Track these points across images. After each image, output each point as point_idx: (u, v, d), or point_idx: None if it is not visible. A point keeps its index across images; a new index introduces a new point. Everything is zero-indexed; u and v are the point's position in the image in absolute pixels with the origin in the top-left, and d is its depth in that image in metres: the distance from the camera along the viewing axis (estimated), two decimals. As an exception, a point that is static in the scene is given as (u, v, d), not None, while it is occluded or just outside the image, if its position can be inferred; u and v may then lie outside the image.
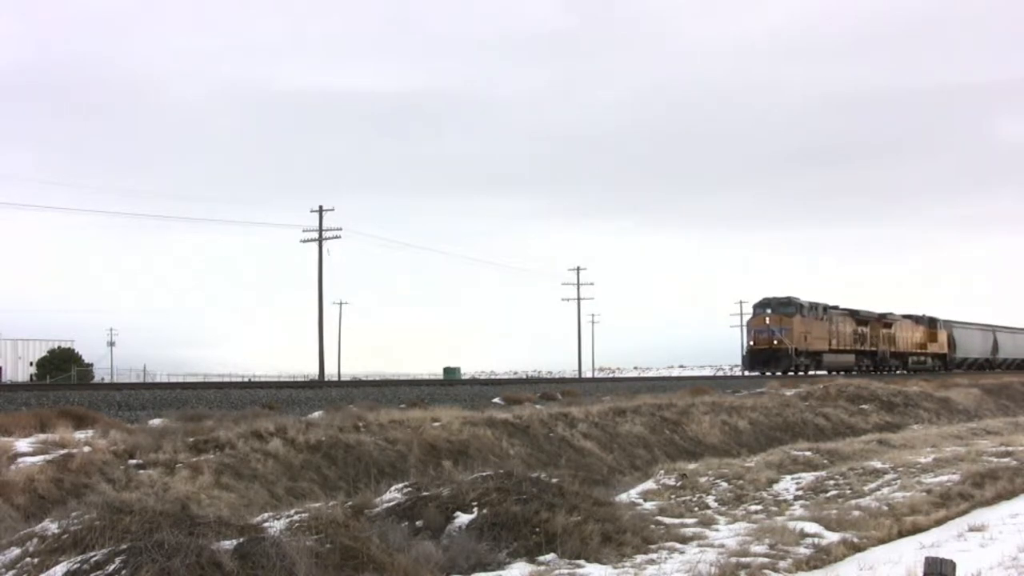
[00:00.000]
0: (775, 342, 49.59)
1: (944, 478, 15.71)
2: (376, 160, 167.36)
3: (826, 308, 54.09)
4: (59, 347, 79.98)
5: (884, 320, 60.92)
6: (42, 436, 13.19)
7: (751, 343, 51.61)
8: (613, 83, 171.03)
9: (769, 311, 50.90)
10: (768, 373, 48.94)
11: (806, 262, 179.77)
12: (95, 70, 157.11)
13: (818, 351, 52.23)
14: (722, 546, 10.64)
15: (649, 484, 15.76)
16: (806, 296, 53.31)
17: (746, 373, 52.72)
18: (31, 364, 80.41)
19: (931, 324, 66.67)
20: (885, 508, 13.22)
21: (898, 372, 59.59)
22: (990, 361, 75.75)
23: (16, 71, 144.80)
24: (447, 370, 74.71)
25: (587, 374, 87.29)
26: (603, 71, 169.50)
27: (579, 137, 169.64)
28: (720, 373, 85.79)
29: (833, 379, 39.82)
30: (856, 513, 12.71)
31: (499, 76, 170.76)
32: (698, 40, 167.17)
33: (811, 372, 50.55)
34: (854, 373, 52.70)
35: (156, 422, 15.43)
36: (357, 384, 27.43)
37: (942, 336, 67.19)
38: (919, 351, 64.91)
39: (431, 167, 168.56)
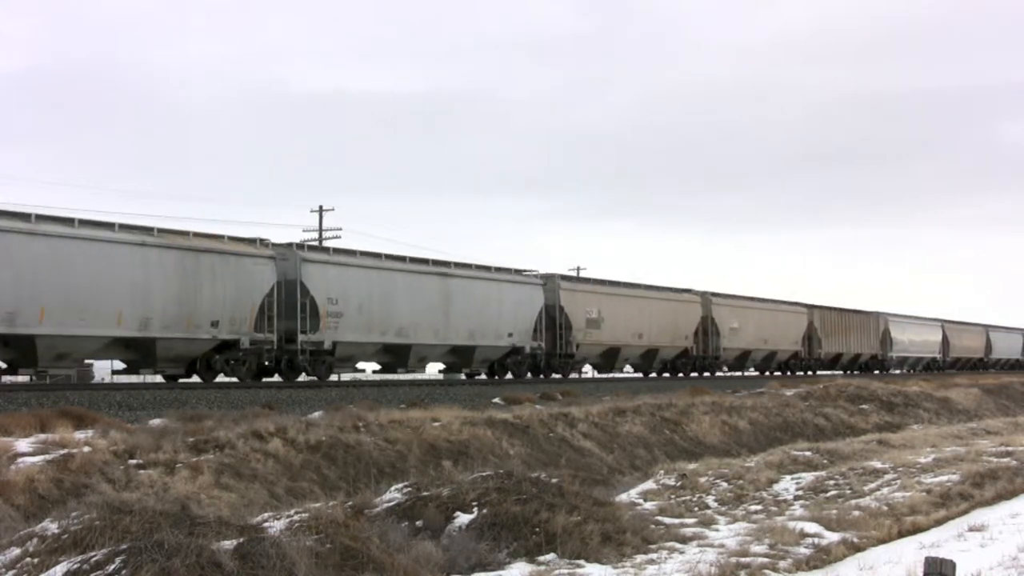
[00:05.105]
0: None
1: (944, 478, 15.71)
2: (378, 160, 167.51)
3: None
4: (59, 347, 79.68)
5: None
6: (42, 436, 13.19)
7: None
8: (623, 85, 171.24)
9: None
10: None
11: (808, 263, 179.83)
12: (102, 72, 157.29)
13: None
14: (722, 546, 10.64)
15: (649, 484, 15.77)
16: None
17: None
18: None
19: None
20: (885, 508, 13.22)
21: None
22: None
23: (18, 73, 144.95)
24: None
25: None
26: (613, 73, 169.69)
27: (586, 138, 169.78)
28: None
29: (833, 379, 39.81)
30: (856, 513, 12.71)
31: (508, 79, 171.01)
32: (705, 42, 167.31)
33: None
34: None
35: (156, 422, 15.43)
36: (357, 384, 27.36)
37: None
38: None
39: (436, 168, 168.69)
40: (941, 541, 10.87)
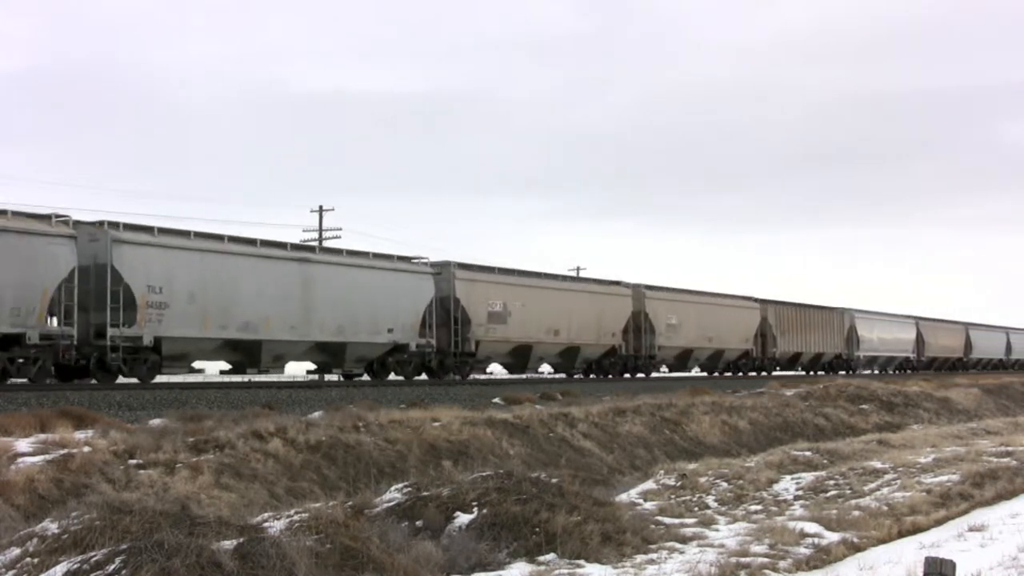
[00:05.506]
0: None
1: (944, 478, 15.70)
2: (379, 160, 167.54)
3: None
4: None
5: None
6: (42, 436, 13.19)
7: None
8: (623, 85, 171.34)
9: None
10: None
11: (811, 263, 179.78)
12: (102, 72, 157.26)
13: None
14: (722, 546, 10.64)
15: (649, 484, 15.76)
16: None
17: None
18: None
19: None
20: (885, 508, 13.22)
21: None
22: None
23: (18, 73, 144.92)
24: None
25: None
26: (613, 73, 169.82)
27: (586, 138, 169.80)
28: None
29: (833, 379, 39.80)
30: (856, 513, 12.71)
31: (508, 79, 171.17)
32: (705, 42, 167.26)
33: None
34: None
35: (156, 422, 15.43)
36: (357, 384, 27.37)
37: None
38: None
39: (436, 168, 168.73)
40: (941, 541, 10.86)
